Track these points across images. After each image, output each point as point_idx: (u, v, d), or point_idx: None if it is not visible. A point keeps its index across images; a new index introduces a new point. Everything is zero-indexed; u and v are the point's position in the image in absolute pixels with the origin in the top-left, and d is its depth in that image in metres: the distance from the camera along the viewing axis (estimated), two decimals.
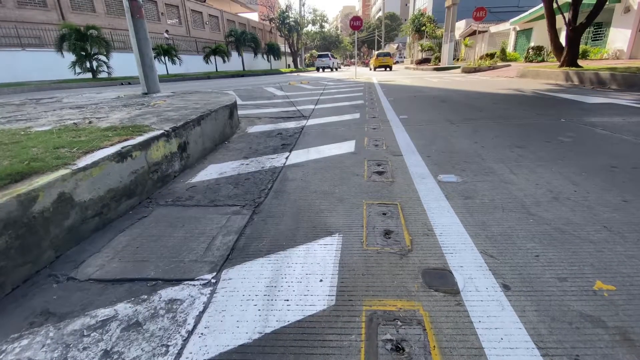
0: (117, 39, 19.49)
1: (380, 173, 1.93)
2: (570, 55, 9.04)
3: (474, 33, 28.61)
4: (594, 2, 9.90)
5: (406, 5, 64.02)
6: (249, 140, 2.94)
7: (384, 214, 1.42)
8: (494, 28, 25.20)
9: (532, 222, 1.30)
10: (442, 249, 1.13)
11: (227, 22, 31.52)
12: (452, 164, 2.05)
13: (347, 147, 2.56)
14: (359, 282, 0.97)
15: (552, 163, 1.99)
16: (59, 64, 14.09)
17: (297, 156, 2.37)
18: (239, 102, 5.98)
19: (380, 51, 27.88)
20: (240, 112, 4.57)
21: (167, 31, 21.37)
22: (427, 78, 12.07)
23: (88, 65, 14.38)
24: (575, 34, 8.92)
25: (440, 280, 0.97)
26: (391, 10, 61.06)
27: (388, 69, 24.38)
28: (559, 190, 1.60)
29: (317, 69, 27.84)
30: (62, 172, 1.19)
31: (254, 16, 41.85)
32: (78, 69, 13.94)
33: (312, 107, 5.12)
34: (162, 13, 23.26)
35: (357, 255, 1.11)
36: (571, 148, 2.30)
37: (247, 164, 2.21)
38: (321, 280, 0.98)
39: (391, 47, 63.61)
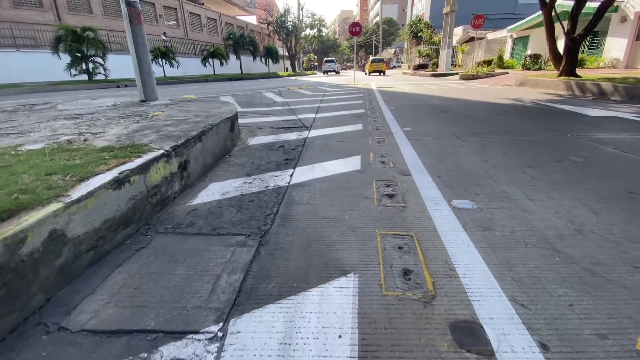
0: (114, 40, 19.35)
1: (390, 196, 1.85)
2: (569, 65, 9.08)
3: (471, 39, 28.87)
4: (592, 11, 9.99)
5: (403, 10, 64.48)
6: (250, 154, 2.85)
7: (400, 247, 1.33)
8: (491, 35, 25.40)
9: (558, 260, 1.22)
10: (468, 294, 1.05)
11: (225, 25, 31.47)
12: (464, 186, 1.98)
13: (353, 164, 2.48)
14: (383, 339, 0.88)
15: (567, 187, 1.92)
16: (54, 66, 13.91)
17: (302, 174, 2.29)
18: (238, 109, 5.89)
19: (374, 58, 30.31)
20: (240, 120, 4.48)
21: (164, 33, 21.25)
22: (426, 85, 12.07)
23: (84, 67, 14.21)
24: (574, 43, 8.96)
25: (472, 337, 0.88)
26: (388, 16, 61.46)
27: (382, 73, 26.16)
28: (580, 220, 1.53)
29: (324, 72, 31.83)
30: (54, 206, 1.09)
31: (252, 19, 41.88)
32: (74, 71, 13.76)
33: (312, 115, 5.04)
34: (159, 15, 23.14)
35: (376, 302, 1.02)
36: (584, 169, 2.24)
37: (250, 183, 2.12)
38: (340, 337, 0.89)
39: (388, 52, 63.97)
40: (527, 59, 15.56)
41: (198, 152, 2.16)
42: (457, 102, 6.32)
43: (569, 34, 9.06)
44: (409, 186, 2.00)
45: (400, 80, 16.78)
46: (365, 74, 27.93)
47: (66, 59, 13.59)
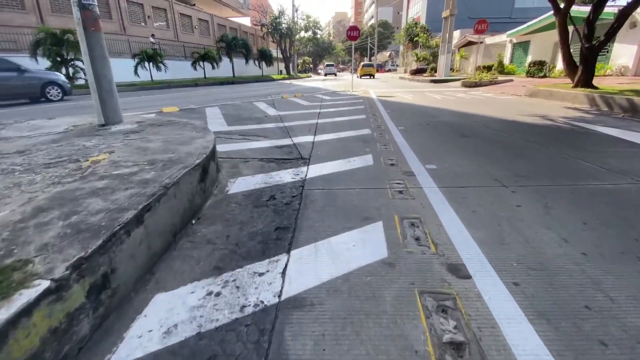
0: None
1: (457, 348, 1.07)
2: (586, 75, 8.45)
3: (468, 44, 28.43)
4: (609, 16, 9.38)
5: (398, 13, 64.16)
6: (228, 214, 2.05)
7: None
8: (489, 39, 24.93)
9: None
10: None
11: (218, 27, 30.58)
12: (571, 311, 1.21)
13: (375, 243, 1.70)
14: None
15: None
16: None
17: (300, 268, 1.50)
18: (224, 128, 5.08)
19: (364, 63, 34.20)
20: (223, 147, 3.68)
21: (153, 35, 20.32)
22: (428, 93, 11.38)
23: (64, 71, 13.25)
24: (591, 52, 8.33)
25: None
26: (384, 18, 61.07)
27: (371, 76, 29.60)
28: None
29: (325, 75, 35.00)
30: None
31: (245, 21, 41.01)
32: None
33: (310, 139, 4.26)
34: (148, 16, 22.20)
35: None
36: None
37: (218, 295, 1.33)
38: None
39: (383, 55, 63.63)
40: (532, 65, 14.98)
41: (135, 244, 1.36)
42: (473, 120, 5.59)
43: (585, 42, 8.42)
44: (479, 309, 1.22)
45: (399, 86, 16.10)
46: (357, 77, 30.24)
47: (45, 63, 12.61)
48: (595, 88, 8.17)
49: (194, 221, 1.96)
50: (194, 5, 30.00)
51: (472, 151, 3.51)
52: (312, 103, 8.63)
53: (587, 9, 9.56)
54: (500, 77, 14.56)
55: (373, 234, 1.79)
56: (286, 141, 4.16)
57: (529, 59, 20.46)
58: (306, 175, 2.81)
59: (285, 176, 2.80)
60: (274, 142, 4.13)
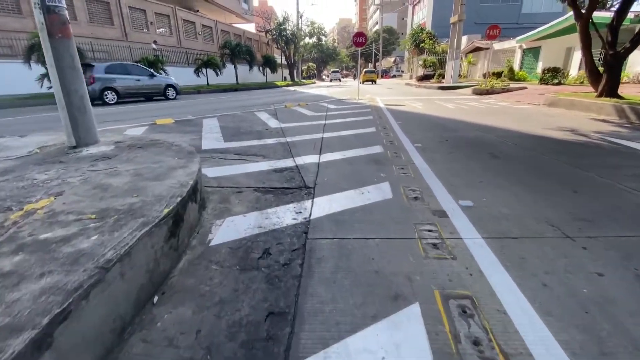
0: (100, 48, 18.14)
1: None
2: (610, 84, 7.86)
3: (476, 50, 27.93)
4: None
5: (403, 19, 63.96)
6: (202, 290, 1.49)
7: None
8: (498, 45, 24.38)
9: None
10: None
11: (222, 33, 30.38)
12: None
13: (415, 354, 1.14)
14: None
15: None
16: (29, 77, 12.57)
17: None
18: (219, 144, 4.56)
19: (367, 69, 35.81)
20: (215, 171, 3.13)
21: (155, 42, 20.04)
22: (439, 102, 10.83)
23: None
24: (615, 60, 7.75)
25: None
26: (388, 24, 60.86)
27: (373, 82, 31.14)
28: None
29: (331, 80, 38.26)
30: None
31: (250, 27, 40.89)
32: (47, 83, 12.42)
33: (315, 158, 3.72)
34: (150, 22, 21.97)
35: None
36: None
37: None
38: None
39: (388, 61, 63.38)
40: (545, 72, 14.39)
41: None
42: (497, 135, 5.02)
43: (609, 49, 7.85)
44: None
45: (407, 94, 15.57)
46: (360, 82, 30.01)
47: (39, 69, 12.25)
48: (621, 98, 7.57)
49: (156, 298, 1.41)
50: (198, 11, 29.86)
51: (510, 179, 2.94)
52: (316, 113, 8.12)
53: (606, 14, 9.01)
54: (512, 84, 13.97)
55: (409, 331, 1.23)
56: (288, 162, 3.62)
57: (540, 65, 19.87)
58: (310, 214, 2.26)
59: (285, 215, 2.25)
60: (274, 163, 3.59)
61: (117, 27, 19.76)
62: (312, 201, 2.50)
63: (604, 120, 6.35)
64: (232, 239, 1.94)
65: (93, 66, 11.77)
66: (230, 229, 2.07)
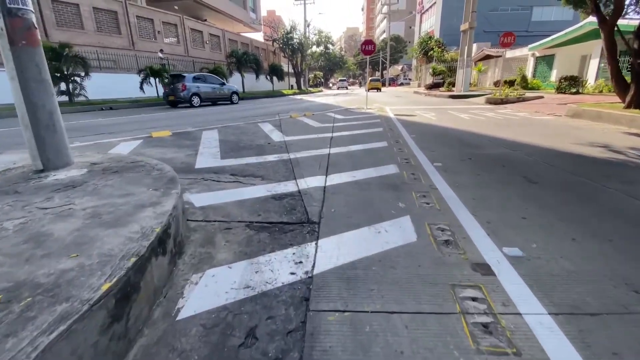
0: (107, 57, 18.10)
1: None
2: (639, 95, 7.26)
3: (486, 58, 27.42)
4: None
5: (410, 27, 63.84)
6: None
7: None
8: (509, 53, 23.81)
9: None
10: None
11: (229, 42, 30.40)
12: None
13: None
14: None
15: None
16: None
17: None
18: (215, 162, 4.09)
19: (372, 78, 37.68)
20: (203, 198, 2.63)
21: (161, 50, 19.97)
22: (452, 112, 10.30)
23: (64, 87, 12.73)
24: None
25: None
26: (395, 33, 60.76)
27: (378, 90, 32.65)
28: None
29: (338, 88, 40.59)
30: None
31: (257, 36, 41.04)
32: None
33: (320, 181, 3.23)
34: (158, 31, 21.98)
35: None
36: None
37: None
38: None
39: (395, 69, 63.17)
40: (562, 81, 13.77)
41: None
42: (526, 152, 4.48)
43: (636, 57, 7.28)
44: None
45: (416, 103, 15.08)
46: (366, 90, 29.13)
47: None
48: None
49: None
50: (205, 20, 29.98)
51: (560, 215, 2.40)
52: (323, 124, 7.66)
53: (632, 22, 8.46)
54: (528, 93, 13.36)
55: None
56: (289, 186, 3.14)
57: (554, 73, 19.25)
58: (314, 266, 1.77)
59: (281, 268, 1.75)
60: (273, 187, 3.11)
61: (124, 36, 19.76)
62: (317, 244, 2.00)
63: (637, 135, 5.77)
64: (209, 307, 1.45)
65: (184, 76, 14.00)
66: (208, 289, 1.58)
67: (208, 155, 4.52)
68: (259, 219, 2.38)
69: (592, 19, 15.60)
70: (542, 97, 12.74)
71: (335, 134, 6.23)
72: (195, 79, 14.38)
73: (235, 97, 16.74)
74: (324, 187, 3.14)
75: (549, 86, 18.85)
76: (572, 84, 13.41)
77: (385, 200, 2.74)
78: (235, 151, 4.77)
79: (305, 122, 8.06)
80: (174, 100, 13.98)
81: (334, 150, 4.76)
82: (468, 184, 3.12)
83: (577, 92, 13.41)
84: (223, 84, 16.03)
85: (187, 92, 13.64)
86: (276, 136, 6.08)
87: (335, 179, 3.38)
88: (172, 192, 2.08)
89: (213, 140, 5.64)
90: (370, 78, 37.78)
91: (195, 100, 14.06)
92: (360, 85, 62.95)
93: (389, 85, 51.45)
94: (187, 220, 2.37)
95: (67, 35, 16.83)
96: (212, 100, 15.48)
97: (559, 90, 14.01)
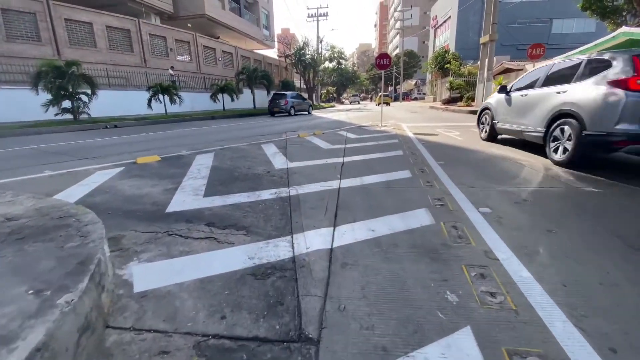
0: (118, 75, 17.98)
1: None
2: None
3: (505, 71, 26.31)
4: None
5: (424, 42, 63.38)
6: None
7: None
8: (530, 66, 22.66)
9: None
10: None
11: (242, 59, 30.38)
12: None
13: None
14: None
15: None
16: (36, 104, 12.10)
17: None
18: (195, 201, 3.19)
19: (381, 93, 40.57)
20: (149, 273, 1.68)
21: (172, 67, 19.80)
22: (477, 130, 9.24)
23: (69, 105, 12.38)
24: None
25: None
26: (409, 48, 60.37)
27: (387, 104, 33.82)
28: None
29: (350, 102, 42.99)
30: None
31: (270, 52, 41.23)
32: (54, 110, 11.91)
33: (327, 238, 2.29)
34: (170, 49, 21.94)
35: None
36: None
37: None
38: None
39: (409, 84, 62.51)
40: None
41: None
42: (591, 188, 3.43)
43: None
44: None
45: (435, 119, 14.08)
46: (376, 104, 35.65)
47: (45, 95, 11.77)
48: None
49: None
50: (219, 38, 30.13)
51: None
52: (333, 146, 6.78)
53: None
54: None
55: None
56: (280, 249, 2.22)
57: None
58: None
59: None
60: (258, 250, 2.20)
61: (136, 54, 19.72)
62: None
63: None
64: None
65: (286, 94, 19.50)
66: None
67: (190, 190, 3.66)
68: (219, 330, 1.45)
69: (626, 29, 14.45)
70: None
71: (347, 159, 5.33)
72: (291, 96, 19.71)
73: (310, 109, 22.09)
74: (330, 249, 2.20)
75: None
76: None
77: (422, 282, 1.78)
78: (225, 184, 3.91)
79: (313, 143, 7.20)
80: (277, 111, 19.05)
81: (345, 183, 3.83)
82: (543, 252, 2.12)
83: None
84: (305, 99, 21.92)
85: (287, 105, 18.97)
86: (279, 162, 5.21)
87: (346, 233, 2.44)
88: (53, 308, 1.17)
89: (203, 168, 4.81)
90: (380, 93, 42.02)
91: (292, 111, 19.49)
92: (372, 99, 63.92)
93: (403, 99, 50.68)
94: (107, 327, 1.47)
95: (80, 53, 16.79)
96: (297, 111, 20.20)
97: None
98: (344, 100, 64.22)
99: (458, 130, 9.36)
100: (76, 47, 16.93)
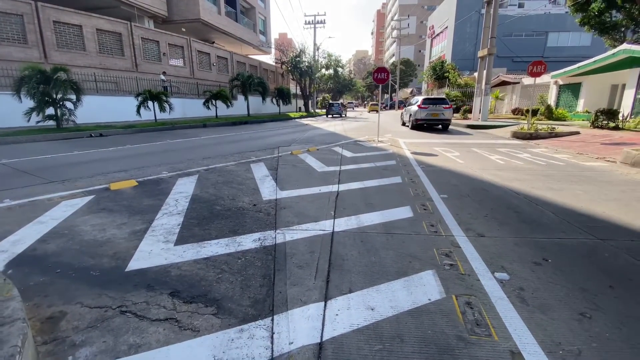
0: (109, 79, 17.43)
1: None
2: None
3: (502, 84, 26.32)
4: None
5: (420, 51, 63.77)
6: None
7: None
8: (527, 80, 22.63)
9: None
10: None
11: (237, 64, 29.99)
12: None
13: None
14: None
15: None
16: (19, 110, 11.50)
17: None
18: (162, 256, 2.70)
19: (372, 102, 44.96)
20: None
21: (164, 72, 19.30)
22: (478, 150, 8.92)
23: (53, 112, 11.80)
24: None
25: None
26: (405, 57, 60.61)
27: (377, 111, 39.90)
28: None
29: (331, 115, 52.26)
30: None
31: (266, 58, 40.91)
32: (36, 117, 11.32)
33: (316, 322, 1.84)
34: (163, 53, 21.45)
35: None
36: None
37: None
38: None
39: (405, 92, 62.67)
40: (599, 114, 12.33)
41: None
42: (619, 239, 3.04)
43: None
44: None
45: (431, 134, 13.77)
46: (367, 111, 40.40)
47: (29, 102, 11.19)
48: None
49: None
50: (214, 43, 29.74)
51: None
52: (328, 168, 6.36)
53: None
54: (564, 129, 11.85)
55: None
56: (256, 342, 1.76)
57: (581, 103, 17.88)
58: None
59: None
60: (229, 343, 1.74)
61: (127, 58, 19.19)
62: None
63: None
64: None
65: (337, 104, 29.44)
66: None
67: (160, 234, 3.19)
68: None
69: (627, 46, 14.38)
70: (577, 132, 11.30)
71: (342, 187, 4.90)
72: (337, 105, 28.80)
73: (344, 114, 29.84)
74: (320, 344, 1.75)
75: (575, 117, 17.43)
76: (610, 118, 11.95)
77: None
78: (202, 224, 3.44)
79: (307, 164, 6.77)
80: (332, 115, 28.56)
81: (339, 224, 3.41)
82: (584, 352, 1.69)
83: (617, 127, 11.92)
84: (341, 104, 29.84)
85: (341, 110, 28.71)
86: (267, 190, 4.77)
87: (340, 313, 2.00)
88: None
89: (183, 198, 4.34)
90: (371, 102, 47.53)
91: (343, 114, 28.97)
92: (365, 106, 66.75)
93: (399, 108, 50.66)
94: None
95: (68, 57, 16.24)
96: (339, 114, 28.66)
97: (595, 124, 12.54)
98: None
99: (457, 150, 9.00)
100: (64, 51, 16.36)
